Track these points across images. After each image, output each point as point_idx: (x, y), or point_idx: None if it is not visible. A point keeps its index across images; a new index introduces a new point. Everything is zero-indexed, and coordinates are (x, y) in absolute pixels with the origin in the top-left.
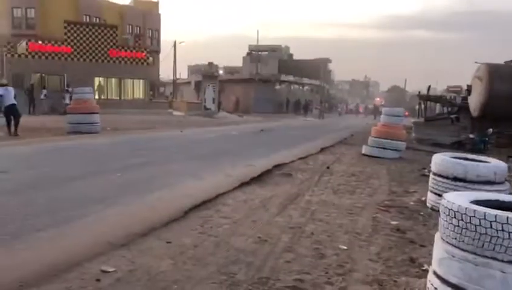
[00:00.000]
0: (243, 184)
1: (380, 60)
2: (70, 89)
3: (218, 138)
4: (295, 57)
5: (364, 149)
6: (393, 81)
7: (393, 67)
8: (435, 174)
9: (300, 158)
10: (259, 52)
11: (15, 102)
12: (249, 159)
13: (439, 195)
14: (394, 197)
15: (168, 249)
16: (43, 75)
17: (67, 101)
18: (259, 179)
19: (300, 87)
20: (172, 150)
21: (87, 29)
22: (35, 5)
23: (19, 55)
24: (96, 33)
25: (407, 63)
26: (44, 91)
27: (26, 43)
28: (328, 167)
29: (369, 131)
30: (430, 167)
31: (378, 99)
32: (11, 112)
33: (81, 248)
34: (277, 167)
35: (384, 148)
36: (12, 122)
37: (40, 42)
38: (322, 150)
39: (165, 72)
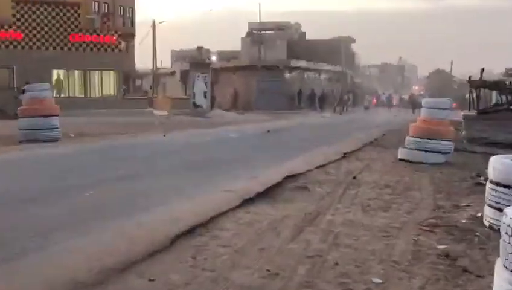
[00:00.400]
0: (246, 201)
1: (418, 38)
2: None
3: (213, 142)
4: (308, 37)
5: (401, 153)
6: (436, 64)
7: (435, 47)
8: (493, 183)
9: (319, 166)
10: (263, 32)
11: None
12: (253, 168)
13: (500, 210)
14: (441, 214)
15: (152, 288)
16: None
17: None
18: (267, 194)
19: (316, 75)
20: (154, 160)
21: (42, 9)
22: None
23: None
24: (53, 14)
25: (453, 40)
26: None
27: None
28: (354, 177)
29: (406, 129)
30: (486, 174)
31: (416, 87)
32: None
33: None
34: (289, 178)
35: (426, 150)
36: None
37: None
38: (346, 155)
39: (142, 61)
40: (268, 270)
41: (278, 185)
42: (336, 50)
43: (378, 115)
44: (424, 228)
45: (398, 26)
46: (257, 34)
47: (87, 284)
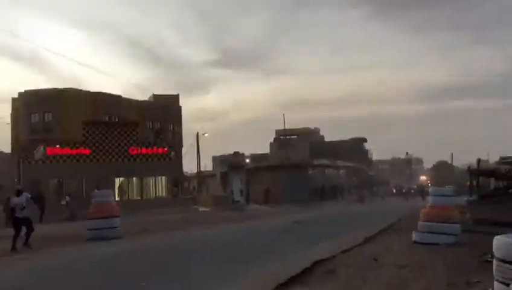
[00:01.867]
0: (281, 286)
1: (421, 135)
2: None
3: (249, 234)
4: (327, 139)
5: (415, 236)
6: (438, 157)
7: (436, 142)
8: (499, 260)
9: (343, 251)
10: (288, 137)
11: (24, 205)
12: (285, 256)
13: (507, 285)
14: None
15: None
16: (61, 180)
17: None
18: (298, 278)
19: (336, 171)
20: (195, 252)
21: (106, 129)
22: (53, 108)
23: (36, 161)
24: (115, 132)
25: (452, 136)
26: (67, 198)
27: (44, 148)
28: (375, 259)
29: (417, 214)
30: (493, 252)
31: (423, 178)
32: (19, 220)
33: None
34: (317, 263)
35: (436, 233)
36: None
37: (57, 146)
38: (367, 240)
39: (188, 166)
40: None
41: (307, 270)
42: (351, 149)
43: (392, 203)
44: None
45: (404, 126)
46: (283, 139)
47: None
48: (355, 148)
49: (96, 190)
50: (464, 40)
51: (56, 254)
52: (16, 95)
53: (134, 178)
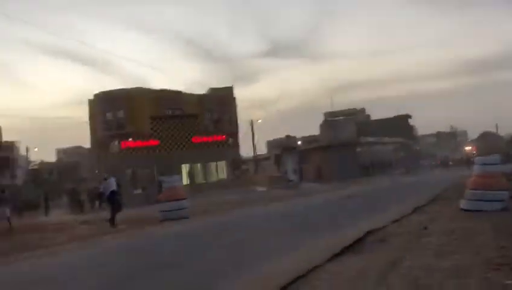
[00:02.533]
0: (336, 255)
1: (464, 108)
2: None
3: (304, 209)
4: (373, 118)
5: (463, 203)
6: (483, 128)
7: (480, 113)
8: None
9: (394, 221)
10: (336, 118)
11: (115, 189)
12: (338, 228)
13: None
14: (505, 253)
15: None
16: (135, 169)
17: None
18: (352, 248)
19: (383, 147)
20: (258, 227)
21: (171, 122)
22: (124, 106)
23: (113, 154)
24: (179, 124)
25: (497, 107)
26: (140, 190)
27: (118, 143)
28: (425, 228)
29: (464, 184)
30: None
31: (469, 148)
32: (111, 200)
33: None
34: (369, 233)
35: (484, 200)
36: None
37: (130, 140)
38: (416, 209)
39: (245, 151)
40: None
41: (360, 240)
42: (397, 126)
43: (439, 175)
44: (492, 266)
45: (448, 100)
46: (331, 120)
47: None
48: (400, 125)
49: (160, 177)
50: (502, 13)
51: (137, 233)
52: (92, 97)
53: (198, 164)
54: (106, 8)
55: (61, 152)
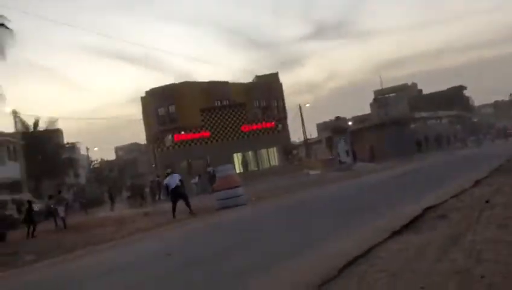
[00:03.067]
0: (395, 233)
1: None
2: (211, 169)
3: (359, 189)
4: (425, 92)
5: None
6: None
7: None
8: None
9: (453, 196)
10: (386, 95)
11: (178, 183)
12: (396, 206)
13: None
14: None
15: None
16: (189, 161)
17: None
18: (411, 225)
19: (438, 121)
20: (314, 209)
21: (220, 112)
22: (175, 101)
23: (167, 148)
24: (228, 114)
25: None
26: (196, 178)
27: (172, 136)
28: (487, 201)
29: None
30: None
31: None
32: (176, 195)
33: None
34: (428, 209)
35: None
36: (181, 205)
37: (182, 133)
38: (477, 182)
39: (295, 136)
40: (422, 288)
41: (419, 217)
42: (451, 98)
43: (498, 146)
44: None
45: (504, 68)
46: (382, 98)
47: None
48: (455, 96)
49: (208, 168)
50: None
51: (198, 220)
52: (143, 94)
53: (249, 152)
54: (148, 5)
55: (119, 150)
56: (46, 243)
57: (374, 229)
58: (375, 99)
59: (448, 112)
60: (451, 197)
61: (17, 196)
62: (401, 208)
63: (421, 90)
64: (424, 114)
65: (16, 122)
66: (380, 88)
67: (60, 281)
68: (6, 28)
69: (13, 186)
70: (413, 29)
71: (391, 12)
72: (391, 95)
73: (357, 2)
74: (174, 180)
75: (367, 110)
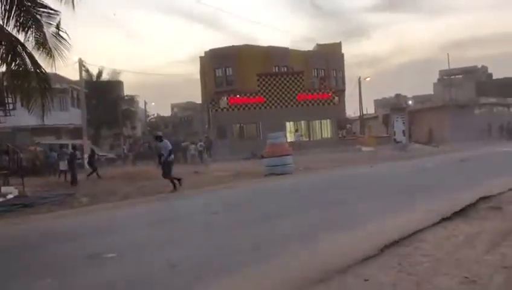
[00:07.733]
0: (444, 219)
1: None
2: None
3: (412, 171)
4: (496, 76)
5: None
6: None
7: None
8: None
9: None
10: (452, 76)
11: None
12: (449, 192)
13: None
14: None
15: (366, 287)
16: (242, 125)
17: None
18: (462, 213)
19: (506, 109)
20: (363, 186)
21: (277, 79)
22: (233, 64)
23: (222, 110)
24: (284, 81)
25: None
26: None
27: (227, 98)
28: None
29: None
30: None
31: None
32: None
33: (280, 284)
34: (483, 199)
35: None
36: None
37: (238, 96)
38: None
39: (351, 109)
40: (466, 278)
41: (472, 206)
42: None
43: None
44: None
45: None
46: (448, 79)
47: (315, 280)
48: None
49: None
50: None
51: (244, 185)
52: (203, 54)
53: (302, 122)
54: None
55: (175, 106)
56: (97, 188)
57: (422, 213)
58: (440, 80)
59: None
60: (510, 189)
61: (78, 142)
62: (454, 194)
63: (491, 75)
64: (491, 100)
65: (81, 71)
66: (447, 68)
67: (111, 224)
68: None
69: (74, 132)
70: (490, 9)
71: None
72: (458, 76)
73: None
74: (166, 146)
75: (430, 90)
